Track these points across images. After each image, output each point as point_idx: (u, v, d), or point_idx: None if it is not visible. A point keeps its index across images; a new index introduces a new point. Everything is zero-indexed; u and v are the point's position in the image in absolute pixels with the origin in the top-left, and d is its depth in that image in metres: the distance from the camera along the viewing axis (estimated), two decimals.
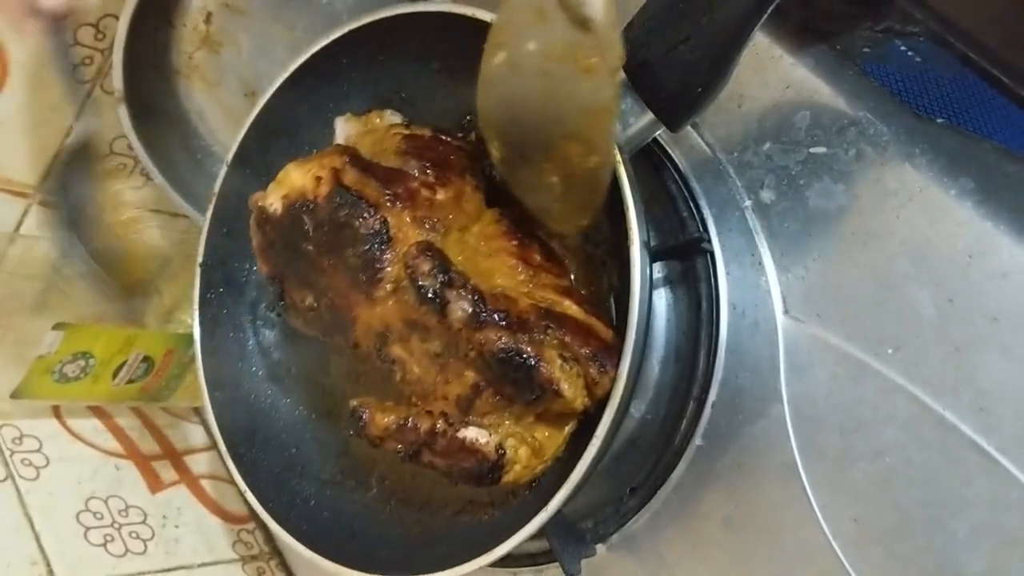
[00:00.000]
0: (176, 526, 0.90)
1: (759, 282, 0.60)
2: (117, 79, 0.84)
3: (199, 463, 0.97)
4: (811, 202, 0.59)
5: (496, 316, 0.53)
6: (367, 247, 0.58)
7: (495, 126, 0.55)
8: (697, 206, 0.62)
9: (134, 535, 0.86)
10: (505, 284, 0.57)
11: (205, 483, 0.96)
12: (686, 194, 0.62)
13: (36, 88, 0.83)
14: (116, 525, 0.85)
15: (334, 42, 0.68)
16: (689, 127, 0.63)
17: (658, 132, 0.53)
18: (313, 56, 0.69)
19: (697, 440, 0.61)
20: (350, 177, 0.60)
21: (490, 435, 0.56)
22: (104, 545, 0.83)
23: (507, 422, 0.57)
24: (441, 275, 0.54)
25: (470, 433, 0.56)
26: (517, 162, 0.56)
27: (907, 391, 0.54)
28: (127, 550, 0.84)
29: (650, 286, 0.52)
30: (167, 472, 0.94)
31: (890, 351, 0.55)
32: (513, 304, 0.55)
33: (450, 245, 0.60)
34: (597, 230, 0.60)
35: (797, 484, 0.57)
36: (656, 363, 0.63)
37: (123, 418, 0.92)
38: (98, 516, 0.84)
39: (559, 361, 0.53)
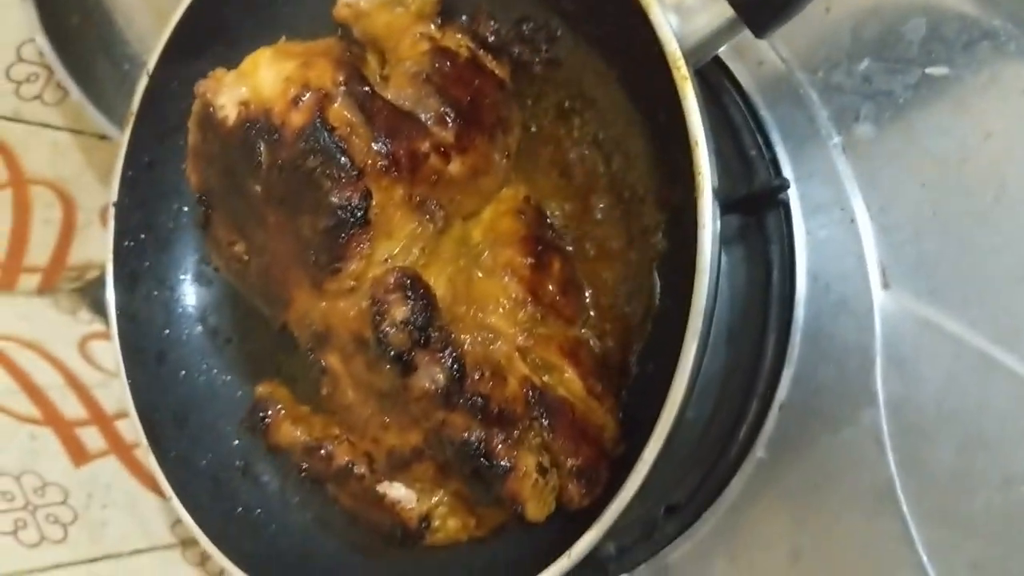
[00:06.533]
0: (103, 506, 0.81)
1: (850, 246, 0.49)
2: None
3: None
4: (926, 141, 0.48)
5: (473, 401, 0.44)
6: (331, 223, 0.45)
7: None
8: (768, 142, 0.52)
9: (52, 519, 0.77)
10: (499, 327, 0.47)
11: (140, 452, 0.85)
12: (753, 126, 0.52)
13: None
14: (31, 507, 0.76)
15: None
16: None
17: (736, 37, 0.41)
18: None
19: (759, 451, 0.51)
20: (339, 114, 0.45)
21: (417, 500, 0.49)
22: (14, 533, 0.74)
23: (442, 493, 0.49)
24: (417, 331, 0.44)
25: (394, 492, 0.50)
26: None
27: None
28: (43, 538, 0.76)
29: (720, 250, 0.40)
30: (94, 441, 0.84)
31: None
32: (500, 386, 0.45)
33: (445, 246, 0.49)
34: (634, 176, 0.49)
35: (893, 513, 0.46)
36: None
37: (42, 375, 0.82)
38: (8, 497, 0.75)
39: (534, 475, 0.44)
